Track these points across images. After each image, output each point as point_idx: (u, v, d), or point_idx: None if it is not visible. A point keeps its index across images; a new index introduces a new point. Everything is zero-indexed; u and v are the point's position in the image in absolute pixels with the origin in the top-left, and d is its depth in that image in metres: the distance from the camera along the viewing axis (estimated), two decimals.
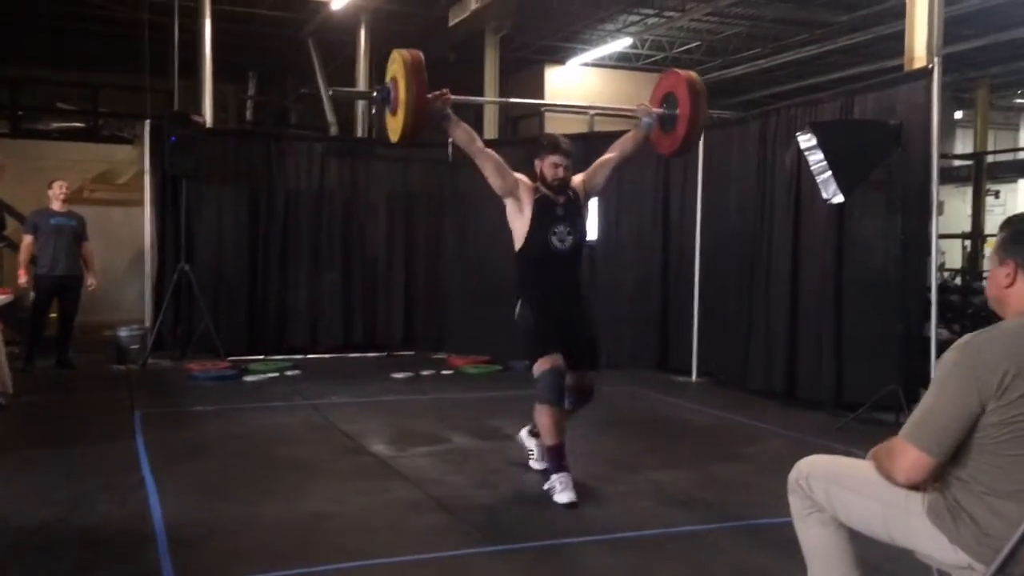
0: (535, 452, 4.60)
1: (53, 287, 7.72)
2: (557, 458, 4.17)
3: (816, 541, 2.45)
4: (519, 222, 4.32)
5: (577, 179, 4.45)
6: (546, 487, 4.18)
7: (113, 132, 13.32)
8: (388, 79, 4.27)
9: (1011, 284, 2.21)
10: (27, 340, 7.79)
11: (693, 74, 4.57)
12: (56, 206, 7.77)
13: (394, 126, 4.22)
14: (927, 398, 2.17)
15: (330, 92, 4.22)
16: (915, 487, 2.20)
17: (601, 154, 4.60)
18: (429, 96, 4.10)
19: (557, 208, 4.31)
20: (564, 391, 4.17)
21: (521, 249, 4.35)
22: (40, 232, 7.65)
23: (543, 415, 4.14)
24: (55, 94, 13.95)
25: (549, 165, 4.28)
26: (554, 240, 4.27)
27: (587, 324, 4.48)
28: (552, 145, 4.32)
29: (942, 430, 2.11)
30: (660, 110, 4.54)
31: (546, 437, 4.19)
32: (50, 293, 7.75)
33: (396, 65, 4.15)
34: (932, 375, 2.22)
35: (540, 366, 4.13)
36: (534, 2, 10.82)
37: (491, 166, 4.27)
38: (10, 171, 7.47)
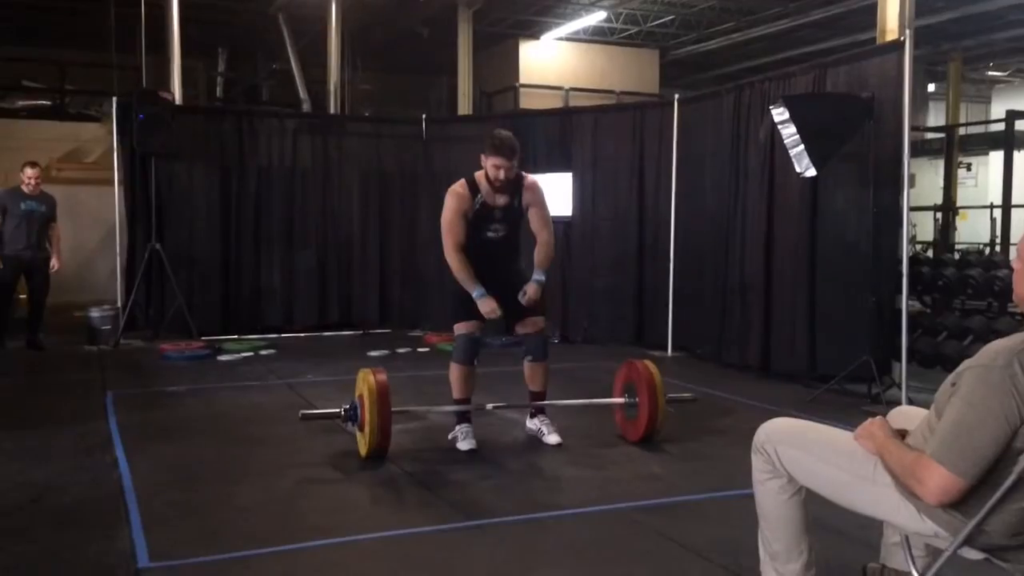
0: (544, 429, 4.81)
1: (19, 268, 7.71)
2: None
3: (772, 504, 2.51)
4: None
5: (529, 183, 4.69)
6: (450, 436, 4.66)
7: (80, 110, 13.10)
8: (356, 396, 4.44)
9: None
10: None
11: (650, 365, 4.75)
12: (27, 190, 7.71)
13: (362, 441, 4.40)
14: (958, 416, 2.03)
15: (300, 415, 4.34)
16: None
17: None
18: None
19: (495, 212, 4.65)
20: (475, 355, 4.66)
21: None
22: (9, 215, 7.65)
23: (453, 371, 4.67)
24: (21, 72, 13.68)
25: (491, 167, 4.53)
26: (489, 233, 4.68)
27: (523, 283, 4.67)
28: (495, 147, 4.49)
29: (977, 453, 1.99)
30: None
31: (454, 391, 4.67)
32: (16, 273, 7.73)
33: (363, 386, 4.34)
34: (965, 385, 2.05)
35: (458, 329, 4.66)
36: None
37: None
38: None
